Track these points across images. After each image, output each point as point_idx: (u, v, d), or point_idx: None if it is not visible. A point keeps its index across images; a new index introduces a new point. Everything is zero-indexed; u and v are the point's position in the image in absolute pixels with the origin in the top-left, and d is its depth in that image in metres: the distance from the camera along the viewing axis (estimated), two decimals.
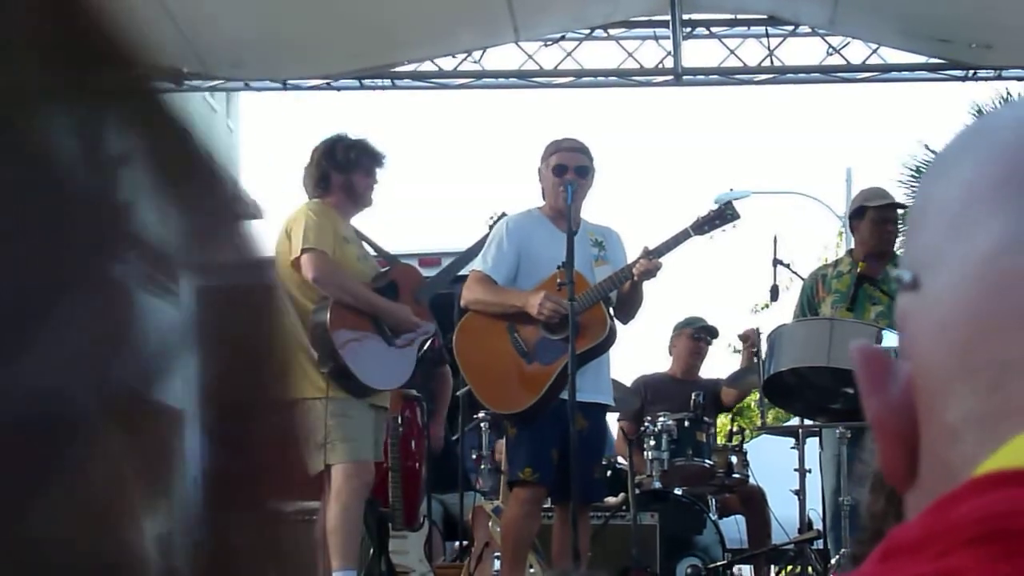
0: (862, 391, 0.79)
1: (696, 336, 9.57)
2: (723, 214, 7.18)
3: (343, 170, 7.10)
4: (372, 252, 7.33)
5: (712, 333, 9.68)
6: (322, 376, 6.72)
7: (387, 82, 10.67)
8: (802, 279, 8.35)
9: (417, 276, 7.38)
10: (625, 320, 7.02)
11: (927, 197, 0.80)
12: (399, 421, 7.87)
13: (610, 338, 6.88)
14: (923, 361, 0.75)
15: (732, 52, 10.35)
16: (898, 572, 0.65)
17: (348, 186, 7.10)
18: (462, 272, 7.32)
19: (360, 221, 7.28)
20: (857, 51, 10.29)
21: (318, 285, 6.80)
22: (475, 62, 10.45)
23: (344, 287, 6.87)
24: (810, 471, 7.60)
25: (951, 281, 0.73)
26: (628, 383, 9.12)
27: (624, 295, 6.94)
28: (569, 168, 6.91)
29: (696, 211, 7.24)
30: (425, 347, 8.09)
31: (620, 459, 8.69)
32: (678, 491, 8.39)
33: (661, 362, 9.83)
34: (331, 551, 6.70)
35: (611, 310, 6.90)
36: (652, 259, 6.85)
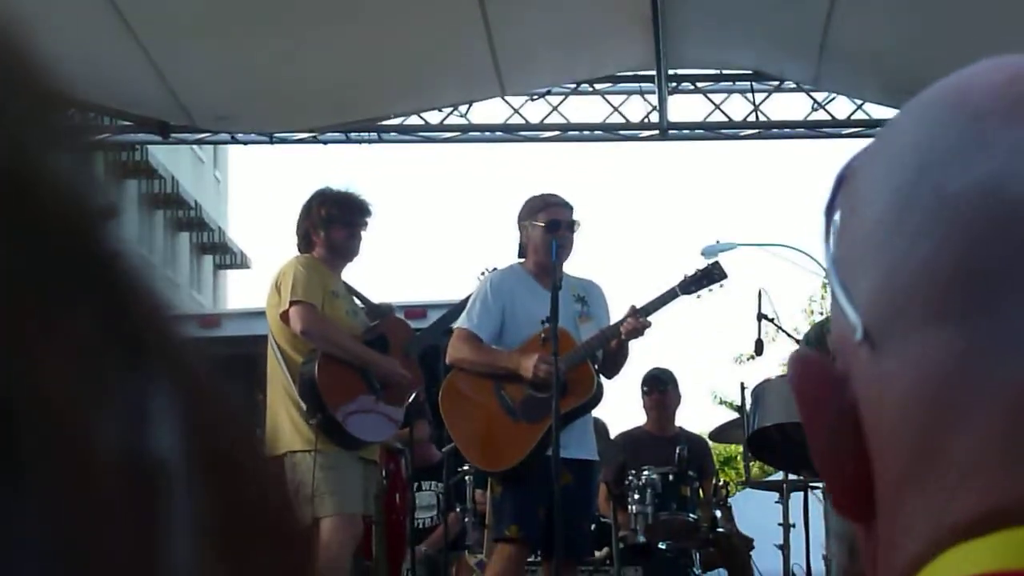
0: (801, 412, 0.76)
1: (646, 392, 9.47)
2: (711, 274, 7.18)
3: (321, 227, 7.15)
4: (361, 305, 7.35)
5: (658, 380, 9.49)
6: (311, 428, 6.73)
7: (373, 135, 10.70)
8: (787, 333, 8.35)
9: (407, 330, 7.39)
10: (610, 376, 7.01)
11: (864, 210, 0.76)
12: (383, 474, 7.85)
13: (597, 396, 6.88)
14: (876, 442, 0.73)
15: (717, 107, 10.39)
16: None
17: (328, 242, 7.14)
18: (453, 325, 7.30)
19: (347, 273, 7.31)
20: (842, 106, 10.33)
21: (306, 337, 6.83)
22: (461, 115, 10.48)
23: (332, 339, 6.88)
24: (794, 526, 7.60)
25: (912, 375, 0.71)
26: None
27: (610, 352, 6.93)
28: (562, 224, 6.89)
29: (683, 265, 7.26)
30: (409, 400, 8.09)
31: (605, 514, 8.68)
32: (662, 545, 8.37)
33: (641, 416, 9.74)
34: None
35: (596, 367, 6.90)
36: (640, 318, 6.84)
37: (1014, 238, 0.68)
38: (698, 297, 7.16)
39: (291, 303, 6.84)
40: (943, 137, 0.73)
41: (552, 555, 6.59)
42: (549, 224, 6.84)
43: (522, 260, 7.06)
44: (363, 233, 7.26)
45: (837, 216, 0.79)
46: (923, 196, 0.72)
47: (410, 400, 8.12)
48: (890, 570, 0.73)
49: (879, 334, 0.72)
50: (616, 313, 7.00)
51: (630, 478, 8.40)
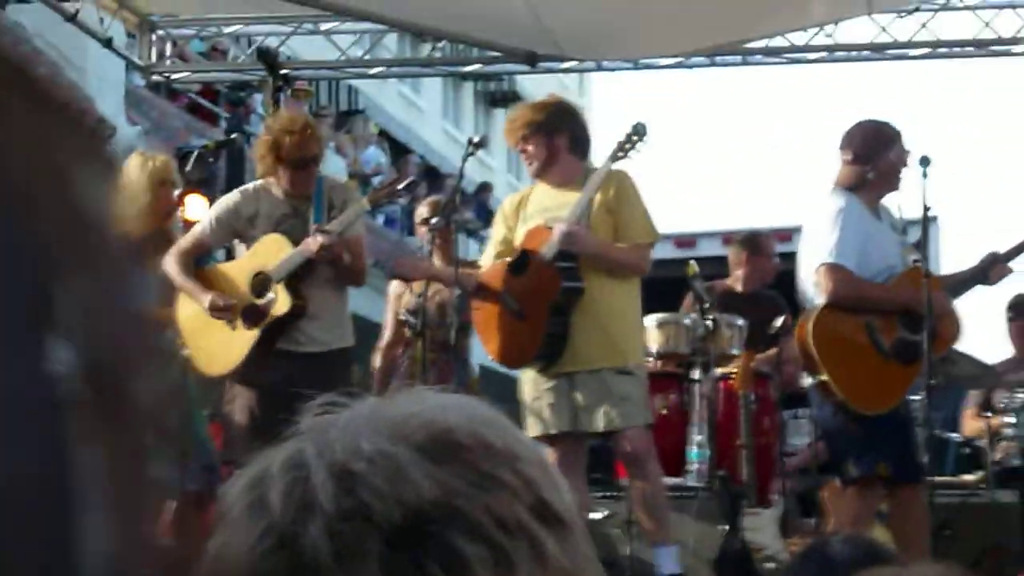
0: None
1: (1012, 317, 9.20)
2: None
3: None
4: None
5: None
6: None
7: (738, 58, 10.68)
8: None
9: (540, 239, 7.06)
10: None
11: None
12: (752, 398, 7.85)
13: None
14: None
15: None
16: None
17: None
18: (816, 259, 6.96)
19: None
20: None
21: None
22: (827, 35, 10.36)
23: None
24: None
25: None
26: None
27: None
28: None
29: None
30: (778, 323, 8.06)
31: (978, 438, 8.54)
32: None
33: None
34: None
35: None
36: (1005, 266, 6.79)
37: None
38: None
39: None
40: None
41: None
42: (922, 159, 6.61)
43: (850, 188, 6.80)
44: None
45: None
46: None
47: (778, 324, 8.12)
48: None
49: None
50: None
51: (1004, 402, 8.20)
